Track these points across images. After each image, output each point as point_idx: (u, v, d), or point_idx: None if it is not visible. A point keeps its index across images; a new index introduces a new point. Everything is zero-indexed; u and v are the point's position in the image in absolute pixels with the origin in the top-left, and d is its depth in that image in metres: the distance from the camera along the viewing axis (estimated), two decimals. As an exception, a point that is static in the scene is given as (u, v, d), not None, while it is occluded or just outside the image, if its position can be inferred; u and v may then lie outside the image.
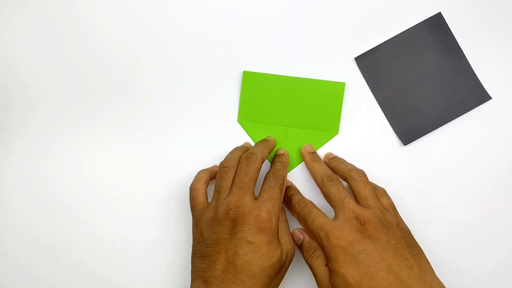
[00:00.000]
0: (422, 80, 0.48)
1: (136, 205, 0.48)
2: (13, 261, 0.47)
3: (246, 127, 0.48)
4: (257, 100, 0.48)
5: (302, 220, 0.43)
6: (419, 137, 0.47)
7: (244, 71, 0.48)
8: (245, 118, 0.48)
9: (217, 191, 0.42)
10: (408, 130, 0.47)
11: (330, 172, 0.45)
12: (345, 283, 0.38)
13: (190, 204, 0.44)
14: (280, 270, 0.40)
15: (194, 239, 0.43)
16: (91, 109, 0.48)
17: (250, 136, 0.48)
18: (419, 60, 0.48)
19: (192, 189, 0.44)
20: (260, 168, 0.43)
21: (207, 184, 0.45)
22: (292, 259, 0.42)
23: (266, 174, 0.43)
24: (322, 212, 0.42)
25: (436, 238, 0.46)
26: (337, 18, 0.48)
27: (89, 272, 0.47)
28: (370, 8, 0.48)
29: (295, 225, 0.46)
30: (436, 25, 0.48)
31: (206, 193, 0.44)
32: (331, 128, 0.48)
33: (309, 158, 0.47)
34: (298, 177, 0.48)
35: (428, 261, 0.40)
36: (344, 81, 0.47)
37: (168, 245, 0.47)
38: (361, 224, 0.39)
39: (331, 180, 0.43)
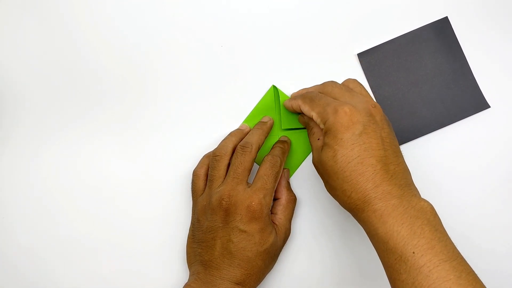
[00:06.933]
0: (423, 82, 0.47)
1: (134, 204, 0.47)
2: (9, 262, 0.46)
3: None
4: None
5: (309, 99, 0.42)
6: (414, 139, 0.47)
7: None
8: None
9: (210, 180, 0.43)
10: (404, 130, 0.47)
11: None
12: (332, 159, 0.37)
13: (191, 189, 0.45)
14: (275, 253, 0.43)
15: (192, 223, 0.44)
16: (86, 108, 0.48)
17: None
18: (421, 62, 0.48)
19: (194, 174, 0.45)
20: (256, 157, 0.43)
21: None
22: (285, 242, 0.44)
23: (265, 157, 0.43)
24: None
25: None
26: (343, 14, 0.48)
27: (89, 272, 0.46)
28: (377, 7, 0.48)
29: (302, 219, 0.46)
30: (441, 29, 0.48)
31: (206, 179, 0.44)
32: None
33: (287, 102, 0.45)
34: (304, 178, 0.47)
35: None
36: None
37: (168, 244, 0.46)
38: (372, 107, 0.39)
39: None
